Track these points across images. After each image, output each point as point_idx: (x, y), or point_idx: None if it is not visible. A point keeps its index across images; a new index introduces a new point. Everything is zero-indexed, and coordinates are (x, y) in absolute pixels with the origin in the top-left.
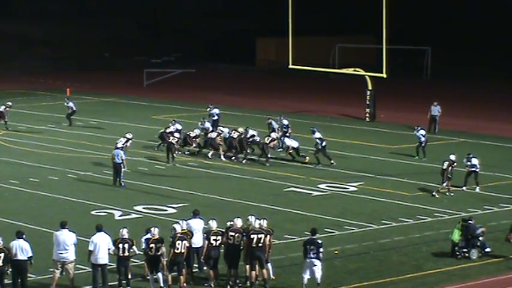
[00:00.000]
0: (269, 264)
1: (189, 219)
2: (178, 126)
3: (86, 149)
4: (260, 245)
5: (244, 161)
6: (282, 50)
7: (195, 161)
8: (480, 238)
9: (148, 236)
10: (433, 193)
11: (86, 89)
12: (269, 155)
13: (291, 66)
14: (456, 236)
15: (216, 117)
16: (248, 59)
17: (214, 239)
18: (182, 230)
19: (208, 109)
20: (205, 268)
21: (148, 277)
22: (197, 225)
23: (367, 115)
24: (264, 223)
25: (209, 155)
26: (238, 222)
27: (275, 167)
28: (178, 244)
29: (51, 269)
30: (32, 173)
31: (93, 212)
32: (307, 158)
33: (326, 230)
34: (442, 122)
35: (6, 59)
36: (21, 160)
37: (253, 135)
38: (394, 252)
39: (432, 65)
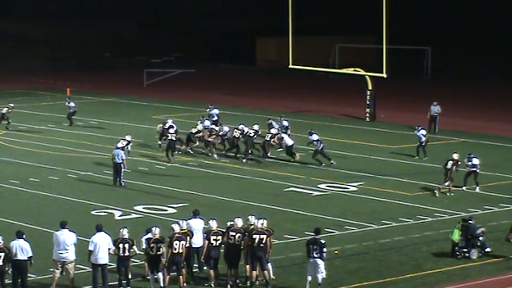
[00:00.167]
0: (269, 264)
1: (189, 219)
2: (170, 121)
3: (86, 149)
4: (262, 245)
5: (244, 160)
6: (282, 50)
7: (195, 161)
8: (480, 238)
9: (149, 235)
10: (434, 191)
11: (86, 89)
12: (269, 154)
13: (291, 66)
14: (456, 236)
15: (216, 118)
16: (248, 59)
17: (214, 239)
18: (182, 230)
19: (208, 109)
20: (205, 268)
21: (148, 277)
22: (197, 225)
23: (367, 115)
24: (264, 223)
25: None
26: (239, 222)
27: (275, 167)
28: (176, 244)
29: (51, 269)
30: (32, 173)
31: (93, 212)
32: (297, 156)
33: (326, 230)
34: (442, 122)
35: (6, 59)
36: (22, 160)
37: (256, 131)
38: (394, 252)
39: (432, 65)
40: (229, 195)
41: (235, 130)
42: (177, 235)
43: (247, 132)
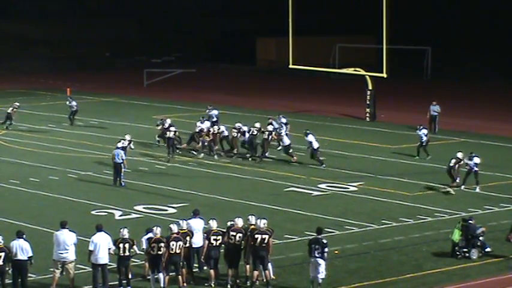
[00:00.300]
0: (269, 264)
1: (189, 219)
2: (168, 121)
3: (87, 149)
4: (264, 245)
5: (250, 159)
6: (282, 50)
7: (195, 161)
8: (480, 238)
9: (150, 235)
10: (448, 190)
11: (86, 89)
12: (267, 154)
13: (291, 66)
14: (456, 235)
15: (215, 119)
16: (248, 59)
17: (214, 239)
18: (182, 230)
19: (207, 110)
20: (205, 268)
21: (149, 277)
22: (197, 225)
23: (368, 115)
24: (264, 223)
25: (215, 156)
26: (239, 222)
27: (275, 166)
28: (173, 245)
29: (52, 269)
30: (33, 173)
31: (93, 212)
32: (294, 157)
33: (326, 229)
34: (442, 122)
35: (6, 59)
36: (22, 160)
37: (259, 129)
38: (394, 252)
39: (432, 65)
40: (230, 195)
41: (233, 130)
42: (174, 235)
43: (251, 130)
